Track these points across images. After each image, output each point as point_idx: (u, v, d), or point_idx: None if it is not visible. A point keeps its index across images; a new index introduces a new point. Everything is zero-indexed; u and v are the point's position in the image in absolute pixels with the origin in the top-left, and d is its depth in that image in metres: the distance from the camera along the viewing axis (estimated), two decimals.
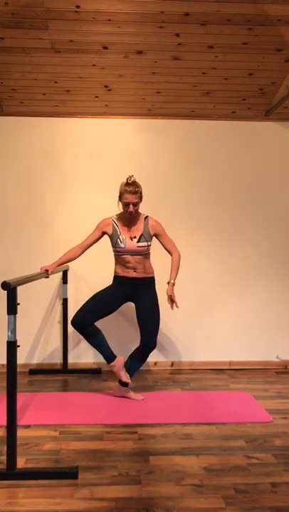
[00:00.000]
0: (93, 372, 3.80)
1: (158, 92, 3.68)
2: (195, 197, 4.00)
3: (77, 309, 3.17)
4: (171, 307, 3.09)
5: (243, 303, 4.01)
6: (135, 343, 3.97)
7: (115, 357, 3.14)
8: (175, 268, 3.14)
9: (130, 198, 3.01)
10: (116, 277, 3.20)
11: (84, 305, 3.15)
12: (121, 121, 3.97)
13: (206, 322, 3.99)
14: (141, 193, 3.08)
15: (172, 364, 3.96)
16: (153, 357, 3.93)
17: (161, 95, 3.72)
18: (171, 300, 3.06)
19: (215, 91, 3.67)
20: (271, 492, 1.98)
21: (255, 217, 4.02)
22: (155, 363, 3.95)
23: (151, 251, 3.20)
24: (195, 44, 3.13)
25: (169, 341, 3.97)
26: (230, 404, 3.03)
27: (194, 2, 2.77)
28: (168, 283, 3.10)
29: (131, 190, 3.00)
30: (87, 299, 3.99)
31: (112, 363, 3.13)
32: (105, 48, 3.16)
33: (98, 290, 3.31)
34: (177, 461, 2.26)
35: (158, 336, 3.93)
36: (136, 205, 3.05)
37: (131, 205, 3.02)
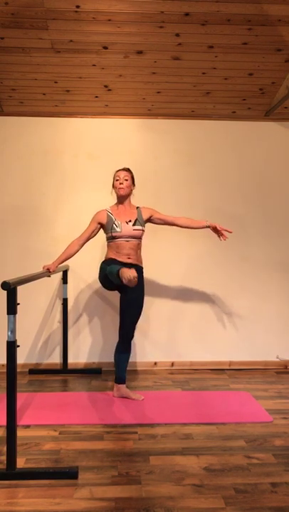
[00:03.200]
0: (93, 372, 3.80)
1: (158, 92, 3.68)
2: (195, 197, 4.00)
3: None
4: (224, 236, 3.18)
5: (243, 303, 4.01)
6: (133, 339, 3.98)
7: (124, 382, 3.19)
8: (193, 220, 3.28)
9: (121, 173, 3.20)
10: (109, 260, 3.13)
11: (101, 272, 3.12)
12: (121, 121, 3.97)
13: (206, 322, 3.99)
14: (132, 177, 3.25)
15: (172, 364, 3.95)
16: (153, 357, 3.93)
17: (161, 95, 3.72)
18: (220, 231, 3.16)
19: (215, 91, 3.67)
20: (271, 492, 1.98)
21: (256, 217, 4.02)
22: (155, 363, 3.95)
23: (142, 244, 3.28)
24: (195, 44, 3.13)
25: (169, 341, 3.97)
26: (230, 404, 3.03)
27: (194, 2, 2.77)
28: (206, 226, 3.20)
29: (122, 169, 3.23)
30: (86, 299, 3.99)
31: (120, 385, 3.17)
32: (105, 48, 3.16)
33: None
34: (177, 461, 2.26)
35: (158, 336, 3.94)
36: (127, 179, 3.19)
37: (121, 178, 3.17)
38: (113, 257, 3.15)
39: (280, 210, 4.04)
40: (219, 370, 3.91)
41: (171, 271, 3.98)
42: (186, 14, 2.86)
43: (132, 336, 3.15)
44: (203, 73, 3.45)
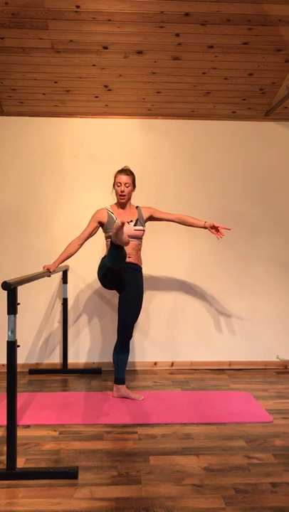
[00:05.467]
0: (93, 372, 3.80)
1: (158, 92, 3.68)
2: (195, 197, 4.00)
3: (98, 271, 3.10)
4: (221, 234, 3.19)
5: (243, 303, 4.01)
6: (132, 339, 3.98)
7: (124, 383, 3.17)
8: (193, 218, 3.30)
9: (122, 178, 3.16)
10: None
11: (100, 268, 3.08)
12: (121, 121, 3.97)
13: (206, 322, 3.99)
14: (134, 179, 3.23)
15: (172, 364, 3.95)
16: (153, 357, 3.93)
17: (161, 95, 3.72)
18: (217, 229, 3.19)
19: (215, 91, 3.67)
20: (271, 492, 1.98)
21: (256, 217, 4.02)
22: (155, 363, 3.94)
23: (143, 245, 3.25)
24: (195, 44, 3.13)
25: (169, 341, 3.97)
26: (230, 404, 3.03)
27: (194, 2, 2.77)
28: (204, 226, 3.23)
29: (123, 172, 3.19)
30: (86, 299, 3.99)
31: (120, 386, 3.15)
32: (105, 48, 3.16)
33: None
34: (177, 461, 2.26)
35: (158, 336, 3.94)
36: (128, 186, 3.15)
37: (123, 185, 3.14)
38: None
39: (280, 209, 4.04)
40: (219, 370, 3.91)
41: (171, 270, 3.97)
42: (186, 14, 2.86)
43: (131, 336, 3.16)
44: (203, 73, 3.45)
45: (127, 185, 3.15)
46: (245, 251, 4.02)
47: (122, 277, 3.07)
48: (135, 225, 3.14)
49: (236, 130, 4.02)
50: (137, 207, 3.27)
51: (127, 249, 3.12)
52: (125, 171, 3.19)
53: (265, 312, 4.02)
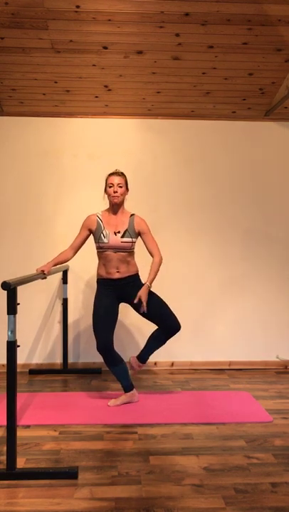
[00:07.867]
0: (93, 372, 3.80)
1: (158, 92, 3.68)
2: (195, 197, 4.00)
3: (94, 332, 3.06)
4: (139, 310, 3.02)
5: (243, 303, 4.01)
6: (133, 343, 3.99)
7: (133, 387, 3.11)
8: (154, 271, 3.03)
9: (114, 179, 3.01)
10: (100, 281, 3.09)
11: (95, 328, 3.05)
12: (121, 121, 3.97)
13: (206, 322, 3.99)
14: (126, 181, 3.07)
15: (172, 364, 3.96)
16: (153, 357, 3.92)
17: (161, 95, 3.72)
18: (140, 301, 2.97)
19: (215, 91, 3.67)
20: (271, 492, 1.98)
21: (255, 218, 4.02)
22: (155, 363, 3.94)
23: (135, 250, 3.13)
24: (195, 44, 3.13)
25: (169, 341, 3.95)
26: (230, 404, 3.03)
27: (194, 2, 2.77)
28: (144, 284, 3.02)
29: (115, 173, 3.04)
30: (86, 299, 3.98)
31: (130, 392, 3.07)
32: (105, 48, 3.16)
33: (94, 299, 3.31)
34: (177, 461, 2.26)
35: None
36: (121, 186, 3.00)
37: (115, 185, 2.99)
38: (103, 274, 3.03)
39: (279, 209, 4.04)
40: (219, 370, 3.91)
41: (171, 271, 3.97)
42: (186, 14, 2.86)
43: (180, 327, 3.14)
44: (203, 73, 3.45)
45: (120, 185, 2.99)
46: (245, 251, 4.02)
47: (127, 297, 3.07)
48: (123, 236, 2.97)
49: (236, 130, 4.02)
50: (132, 215, 3.08)
51: (115, 260, 2.99)
52: (116, 173, 3.04)
53: (265, 312, 4.02)
